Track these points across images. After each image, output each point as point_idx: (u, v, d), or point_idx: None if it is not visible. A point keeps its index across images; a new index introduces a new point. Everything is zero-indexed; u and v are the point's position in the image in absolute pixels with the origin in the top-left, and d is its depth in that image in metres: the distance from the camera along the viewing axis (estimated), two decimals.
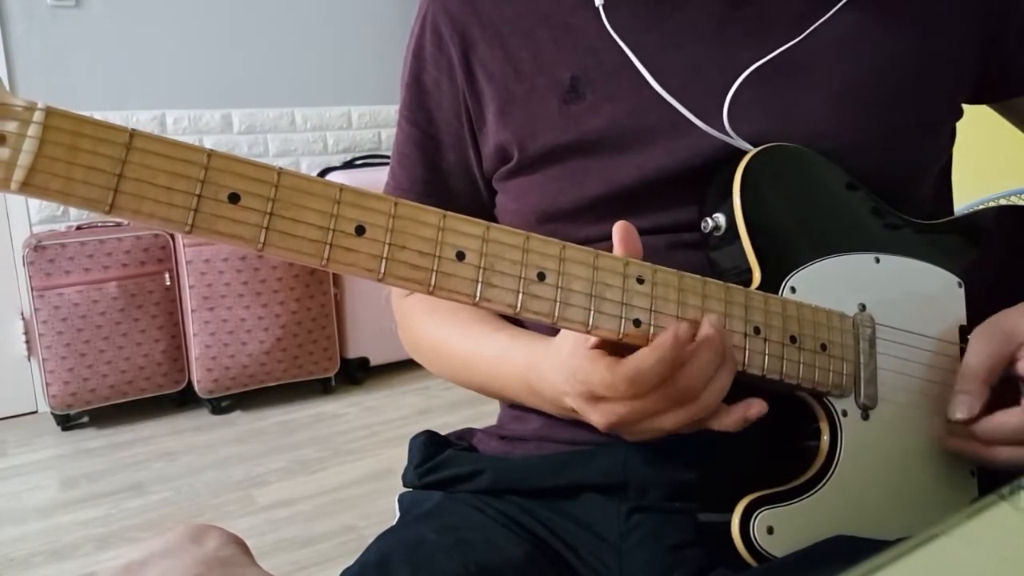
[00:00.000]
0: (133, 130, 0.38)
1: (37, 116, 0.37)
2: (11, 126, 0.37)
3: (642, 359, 0.45)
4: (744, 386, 0.52)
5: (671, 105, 0.57)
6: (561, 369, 0.50)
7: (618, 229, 0.48)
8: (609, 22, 0.59)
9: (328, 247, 0.41)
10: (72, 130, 0.37)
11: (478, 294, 0.44)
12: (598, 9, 0.60)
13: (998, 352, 0.54)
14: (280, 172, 0.40)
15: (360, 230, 0.42)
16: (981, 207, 0.67)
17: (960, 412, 0.54)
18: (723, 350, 0.47)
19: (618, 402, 0.47)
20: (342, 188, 0.42)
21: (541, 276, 0.45)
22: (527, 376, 0.56)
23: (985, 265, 0.61)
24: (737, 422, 0.48)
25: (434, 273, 0.43)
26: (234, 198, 0.40)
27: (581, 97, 0.59)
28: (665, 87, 0.57)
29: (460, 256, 0.43)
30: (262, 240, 0.40)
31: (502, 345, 0.60)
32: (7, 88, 0.38)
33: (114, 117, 2.49)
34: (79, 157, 0.37)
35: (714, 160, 0.57)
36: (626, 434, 0.49)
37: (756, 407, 0.48)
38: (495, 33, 0.62)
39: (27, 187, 0.37)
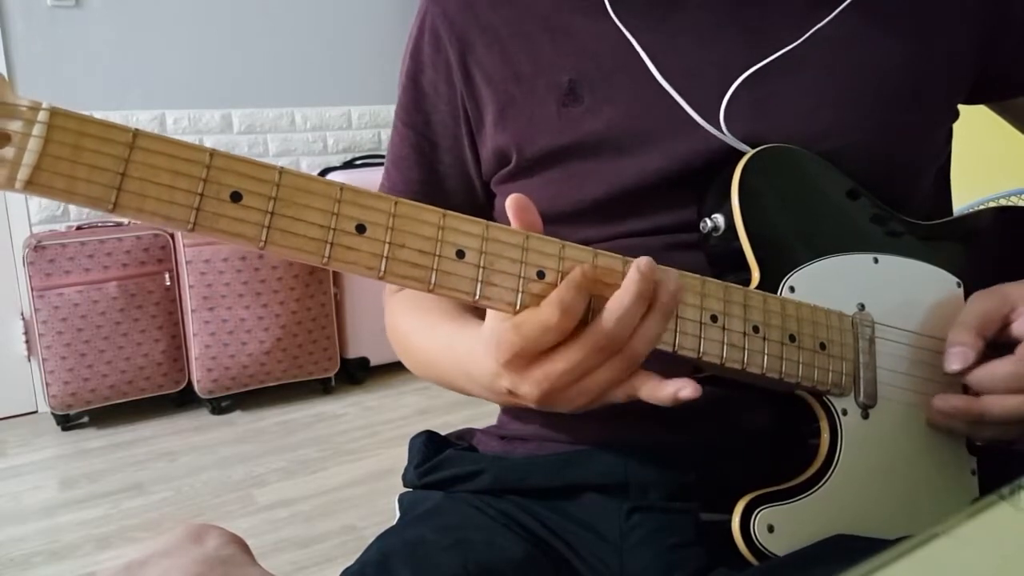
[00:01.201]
0: (136, 130, 0.39)
1: (42, 116, 0.37)
2: (16, 125, 0.37)
3: (562, 289, 0.43)
4: (744, 386, 0.52)
5: (670, 107, 0.57)
6: (487, 346, 0.48)
7: (512, 202, 0.46)
8: (614, 19, 0.59)
9: (329, 245, 0.41)
10: (76, 129, 0.38)
11: (478, 292, 0.44)
12: (599, 11, 0.60)
13: (993, 309, 0.54)
14: (281, 171, 0.41)
15: (361, 229, 0.42)
16: (980, 207, 0.68)
17: (956, 363, 0.53)
18: (649, 295, 0.44)
19: (548, 361, 0.45)
20: (343, 187, 0.42)
21: (540, 275, 0.45)
22: (466, 365, 0.55)
23: (984, 265, 0.61)
24: (668, 397, 0.45)
25: (434, 272, 0.43)
26: (236, 197, 0.40)
27: (579, 100, 0.59)
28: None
29: (460, 255, 0.44)
30: (264, 239, 0.40)
31: (448, 335, 0.59)
32: (12, 88, 0.39)
33: (114, 117, 2.48)
34: (83, 156, 0.38)
35: (713, 161, 0.57)
36: (561, 404, 0.47)
37: (689, 390, 0.45)
38: (494, 36, 0.62)
39: (31, 186, 0.37)
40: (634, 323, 0.44)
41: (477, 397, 0.57)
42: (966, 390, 0.55)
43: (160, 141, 0.39)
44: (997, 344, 0.54)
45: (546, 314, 0.43)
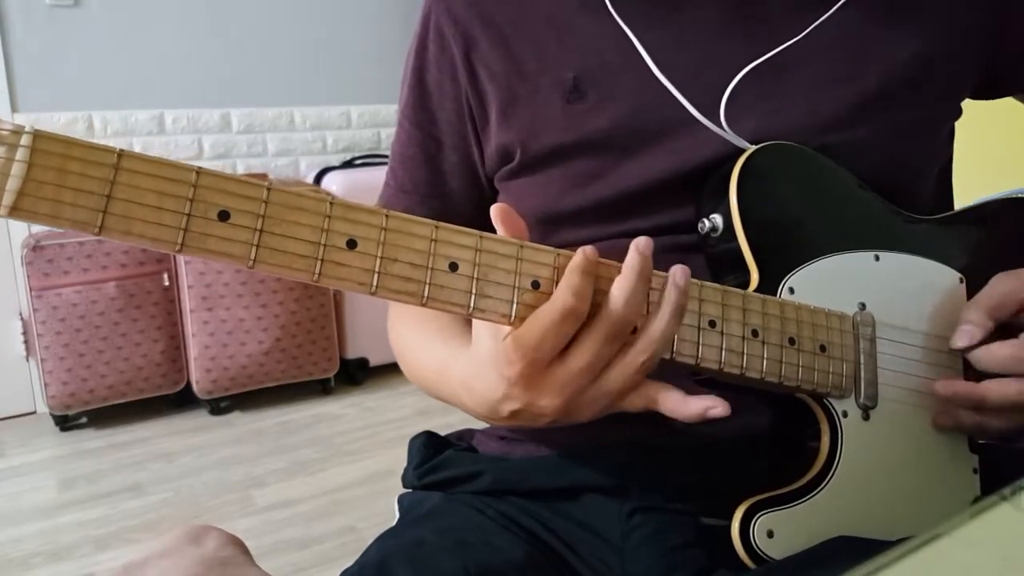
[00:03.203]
0: (121, 150, 0.38)
1: (25, 140, 0.37)
2: None
3: (568, 277, 0.43)
4: (743, 389, 0.52)
5: (673, 105, 0.57)
6: (491, 368, 0.47)
7: (495, 211, 0.46)
8: (615, 16, 0.59)
9: (319, 262, 0.41)
10: (60, 153, 0.37)
11: (472, 305, 0.43)
12: (603, 8, 0.59)
13: (1011, 292, 0.54)
14: (269, 188, 0.40)
15: (351, 244, 0.41)
16: (981, 202, 0.67)
17: (962, 340, 0.53)
18: (650, 274, 0.45)
19: (563, 364, 0.44)
20: (332, 202, 0.41)
21: (535, 285, 0.45)
22: (459, 393, 0.53)
23: (987, 260, 0.61)
24: (696, 414, 0.45)
25: (427, 285, 0.43)
26: (224, 216, 0.39)
27: (584, 97, 0.59)
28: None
29: (453, 267, 0.43)
30: (252, 257, 0.40)
31: (442, 359, 0.58)
32: (4, 98, 0.38)
33: (112, 117, 2.49)
34: (67, 180, 0.37)
35: (716, 159, 0.57)
36: (582, 410, 0.46)
37: (720, 408, 0.45)
38: (498, 33, 0.62)
39: (16, 211, 0.37)
40: (642, 304, 0.45)
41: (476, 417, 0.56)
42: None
43: (145, 161, 0.38)
44: (1013, 327, 0.54)
45: (558, 303, 0.43)
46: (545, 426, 0.48)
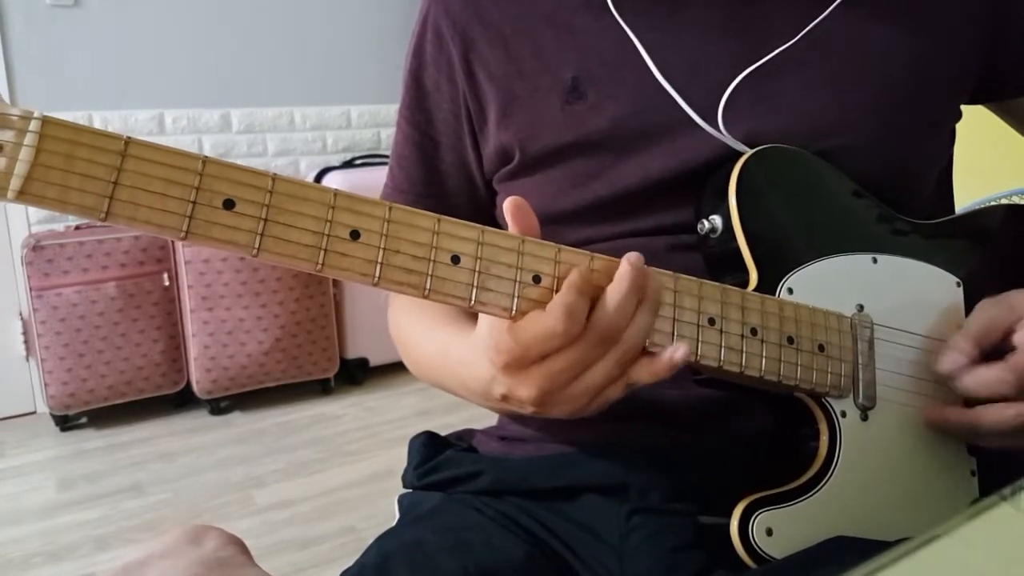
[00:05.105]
0: (128, 138, 0.39)
1: (33, 125, 0.37)
2: (7, 135, 0.37)
3: (565, 295, 0.44)
4: (742, 388, 0.52)
5: (673, 105, 0.57)
6: (483, 352, 0.48)
7: (509, 204, 0.46)
8: (616, 16, 0.59)
9: (323, 252, 0.41)
10: (68, 138, 0.38)
11: (473, 298, 0.44)
12: (602, 8, 0.59)
13: (998, 319, 0.54)
14: (275, 178, 0.41)
15: (355, 235, 0.42)
16: (979, 207, 0.67)
17: (944, 364, 0.54)
18: (641, 285, 0.45)
19: (547, 360, 0.45)
20: (336, 193, 0.42)
21: (536, 279, 0.45)
22: (459, 372, 0.55)
23: (984, 265, 0.61)
24: (665, 365, 0.46)
25: (429, 277, 0.43)
26: (229, 204, 0.40)
27: (583, 97, 0.59)
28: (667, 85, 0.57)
29: (455, 260, 0.43)
30: (257, 246, 0.40)
31: (443, 340, 0.59)
32: (5, 96, 0.38)
33: (112, 116, 2.49)
34: (75, 165, 0.38)
35: (714, 161, 0.57)
36: (559, 405, 0.47)
37: (682, 350, 0.46)
38: (497, 33, 0.62)
39: (23, 195, 0.37)
40: (631, 312, 0.45)
41: (473, 403, 0.57)
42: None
43: (152, 149, 0.39)
44: (999, 353, 0.54)
45: (551, 321, 0.43)
46: (532, 415, 0.49)
